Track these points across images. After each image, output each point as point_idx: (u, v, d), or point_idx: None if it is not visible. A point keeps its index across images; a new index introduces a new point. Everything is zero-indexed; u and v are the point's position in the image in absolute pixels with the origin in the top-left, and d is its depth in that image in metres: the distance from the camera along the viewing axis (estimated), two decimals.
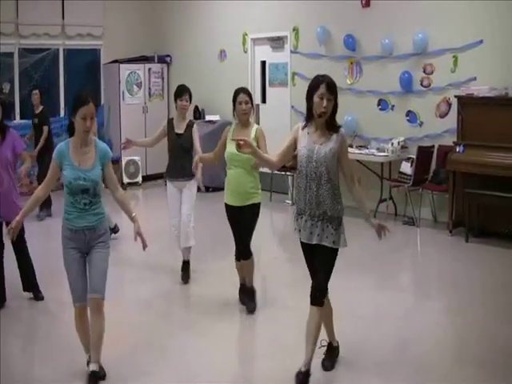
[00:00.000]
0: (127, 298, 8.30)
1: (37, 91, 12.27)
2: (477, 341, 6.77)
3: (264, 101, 14.47)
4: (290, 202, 13.11)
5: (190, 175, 8.18)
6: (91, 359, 5.78)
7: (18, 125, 13.62)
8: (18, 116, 14.76)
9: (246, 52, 14.65)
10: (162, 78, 16.33)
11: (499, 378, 6.00)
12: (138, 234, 5.78)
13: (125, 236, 10.03)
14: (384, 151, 11.51)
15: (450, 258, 9.64)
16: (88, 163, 5.65)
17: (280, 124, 13.76)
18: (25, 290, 7.95)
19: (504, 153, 9.92)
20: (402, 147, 11.53)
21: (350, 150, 11.88)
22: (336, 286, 8.39)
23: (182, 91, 8.52)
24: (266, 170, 13.08)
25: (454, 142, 10.59)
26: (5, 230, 6.83)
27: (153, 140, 8.72)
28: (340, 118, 12.41)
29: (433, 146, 11.25)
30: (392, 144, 11.48)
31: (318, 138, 5.69)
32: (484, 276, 8.82)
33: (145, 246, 5.77)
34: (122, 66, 15.68)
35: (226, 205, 7.41)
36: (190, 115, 15.15)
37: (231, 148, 6.97)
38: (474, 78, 10.73)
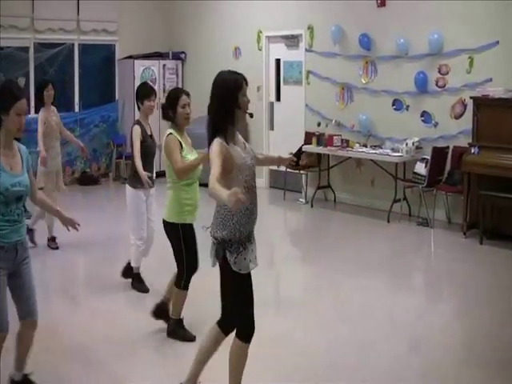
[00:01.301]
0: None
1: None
2: (489, 343, 6.73)
3: (278, 99, 14.44)
4: (303, 200, 13.08)
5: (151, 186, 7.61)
6: (17, 368, 5.34)
7: (32, 119, 13.63)
8: (32, 110, 14.76)
9: (260, 50, 14.62)
10: (177, 75, 16.33)
11: (509, 380, 5.99)
12: (67, 220, 5.30)
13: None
14: (398, 151, 11.47)
15: (464, 260, 9.59)
16: (18, 168, 5.00)
17: (294, 122, 13.76)
18: None
19: None
20: (417, 148, 11.48)
21: (364, 149, 12.00)
22: (349, 286, 8.44)
23: (151, 91, 8.02)
24: (281, 168, 13.13)
25: (468, 144, 10.54)
26: None
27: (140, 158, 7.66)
28: (354, 118, 12.58)
29: (447, 147, 11.20)
30: (406, 144, 11.43)
31: (240, 141, 5.01)
32: (498, 278, 8.77)
33: (76, 226, 5.28)
34: (136, 62, 15.68)
35: (189, 225, 6.47)
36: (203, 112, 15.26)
37: (194, 158, 6.45)
38: (490, 80, 10.67)
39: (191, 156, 6.45)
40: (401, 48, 11.75)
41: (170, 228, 6.48)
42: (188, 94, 6.67)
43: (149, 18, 16.27)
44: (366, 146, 12.19)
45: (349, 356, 6.36)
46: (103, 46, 16.18)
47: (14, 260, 4.96)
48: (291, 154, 5.65)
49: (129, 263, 8.23)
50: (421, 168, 11.10)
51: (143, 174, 7.44)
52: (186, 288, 6.52)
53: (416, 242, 10.58)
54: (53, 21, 14.88)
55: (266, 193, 14.08)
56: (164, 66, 16.12)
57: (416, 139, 11.49)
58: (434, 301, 8.22)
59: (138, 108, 8.03)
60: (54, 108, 10.19)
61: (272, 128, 14.49)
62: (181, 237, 6.42)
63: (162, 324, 6.83)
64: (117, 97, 16.15)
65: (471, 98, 10.62)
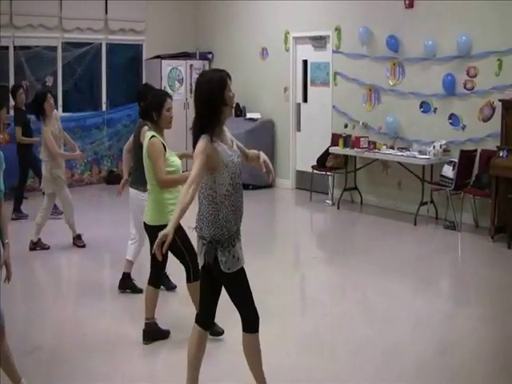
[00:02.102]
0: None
1: (22, 91, 12.12)
2: None
3: (305, 100, 14.41)
4: (329, 202, 13.05)
5: None
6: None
7: (60, 118, 13.70)
8: (60, 109, 14.85)
9: (287, 51, 14.60)
10: None
11: None
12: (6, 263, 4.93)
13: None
14: (426, 154, 11.41)
15: (491, 265, 9.52)
16: None
17: (321, 123, 13.75)
18: None
19: None
20: (444, 150, 11.41)
21: (391, 151, 11.95)
22: (374, 288, 8.42)
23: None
24: (307, 169, 13.11)
25: (497, 147, 10.46)
26: None
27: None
28: (382, 119, 12.53)
29: (475, 150, 11.13)
30: (434, 147, 11.36)
31: (227, 139, 5.01)
32: None
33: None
34: (163, 61, 15.75)
35: (180, 225, 5.98)
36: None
37: (177, 159, 6.55)
38: None
39: (173, 158, 6.49)
40: (429, 50, 11.69)
41: (154, 231, 5.85)
42: (171, 97, 6.66)
43: (176, 18, 16.32)
44: (393, 148, 12.14)
45: (373, 359, 6.34)
46: (131, 45, 16.26)
47: None
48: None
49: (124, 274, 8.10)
50: (448, 171, 11.04)
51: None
52: (197, 279, 6.28)
53: (443, 246, 10.52)
54: (81, 20, 14.98)
55: (293, 194, 14.08)
56: (191, 66, 16.16)
57: (443, 142, 11.42)
58: (461, 305, 8.15)
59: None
60: (55, 112, 10.14)
61: (299, 129, 14.48)
62: (176, 237, 6.00)
63: (176, 324, 6.88)
64: None
65: (500, 100, 10.54)
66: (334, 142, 13.00)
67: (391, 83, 12.48)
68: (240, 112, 15.15)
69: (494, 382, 6.00)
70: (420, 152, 11.57)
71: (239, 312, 5.04)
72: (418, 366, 6.22)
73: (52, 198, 9.91)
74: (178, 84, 15.81)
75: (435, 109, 11.83)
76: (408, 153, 11.76)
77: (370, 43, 12.78)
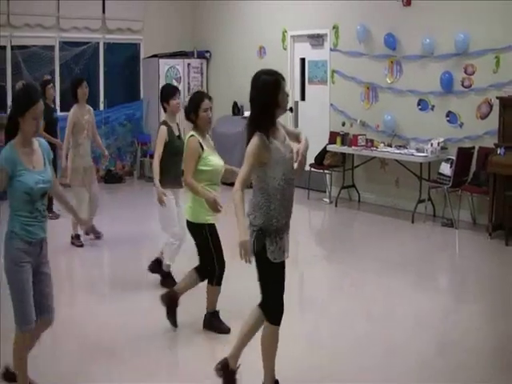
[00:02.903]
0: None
1: (51, 85, 12.18)
2: None
3: (303, 98, 14.42)
4: (327, 200, 13.07)
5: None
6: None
7: (58, 117, 13.69)
8: (58, 108, 14.84)
9: (285, 49, 14.61)
10: (201, 74, 16.36)
11: None
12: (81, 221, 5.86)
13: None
14: (423, 151, 11.42)
15: (489, 262, 9.54)
16: (39, 164, 5.13)
17: (319, 122, 13.74)
18: None
19: None
20: (442, 148, 11.43)
21: (388, 149, 11.97)
22: (373, 286, 8.43)
23: (174, 90, 8.19)
24: (306, 167, 13.12)
25: (494, 144, 10.47)
26: None
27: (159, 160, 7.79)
28: (379, 117, 12.53)
29: (473, 148, 11.14)
30: (431, 144, 11.38)
31: (280, 135, 5.23)
32: None
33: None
34: (161, 60, 15.76)
35: (213, 225, 6.60)
36: (227, 111, 15.26)
37: (217, 159, 6.67)
38: None
39: (213, 157, 6.61)
40: (426, 48, 11.70)
41: (195, 228, 6.62)
42: (210, 98, 6.77)
43: (174, 17, 16.34)
44: (390, 145, 12.15)
45: (373, 356, 6.35)
46: (128, 44, 16.30)
47: (38, 256, 5.12)
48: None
49: (157, 259, 8.28)
50: (446, 168, 11.05)
51: (159, 188, 7.64)
52: (219, 284, 6.72)
53: (441, 243, 10.54)
54: (78, 19, 15.02)
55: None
56: (189, 64, 16.17)
57: (441, 139, 11.43)
58: (459, 302, 8.16)
59: (164, 109, 8.10)
60: (89, 108, 10.28)
61: (296, 127, 14.46)
62: (207, 236, 6.55)
63: (192, 318, 6.94)
64: (141, 95, 16.24)
65: (497, 98, 10.55)
66: (332, 140, 13.01)
67: (389, 81, 12.48)
68: (237, 111, 15.15)
69: (494, 378, 6.00)
70: (418, 150, 11.58)
71: (263, 301, 5.23)
72: (418, 363, 6.22)
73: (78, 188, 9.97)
74: (175, 83, 15.79)
75: (433, 106, 11.84)
76: (406, 150, 11.78)
77: (367, 41, 12.79)
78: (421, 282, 8.67)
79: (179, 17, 16.43)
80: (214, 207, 6.35)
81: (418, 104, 12.04)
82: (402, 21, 12.13)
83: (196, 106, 6.60)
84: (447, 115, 11.61)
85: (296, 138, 5.47)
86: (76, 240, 10.06)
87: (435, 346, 6.71)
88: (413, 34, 11.94)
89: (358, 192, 13.11)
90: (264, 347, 5.28)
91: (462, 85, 11.39)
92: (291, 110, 4.67)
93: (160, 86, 15.27)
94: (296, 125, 14.45)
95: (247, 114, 15.18)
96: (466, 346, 6.63)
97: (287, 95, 5.21)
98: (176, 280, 7.74)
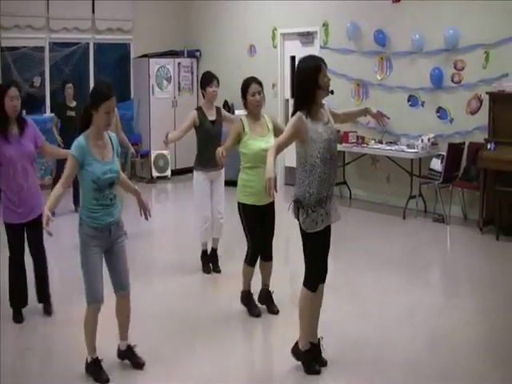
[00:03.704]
0: (152, 291, 8.31)
1: (71, 85, 12.27)
2: (506, 340, 6.72)
3: (294, 96, 14.38)
4: None
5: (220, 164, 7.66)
6: (121, 338, 6.05)
7: (47, 118, 13.68)
8: (48, 109, 14.83)
9: (275, 47, 14.61)
10: (192, 73, 16.35)
11: None
12: (142, 203, 5.99)
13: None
14: (414, 148, 11.44)
15: (480, 256, 9.57)
16: (108, 156, 5.65)
17: None
18: (39, 301, 7.41)
19: None
20: (432, 144, 11.45)
21: (379, 145, 12.00)
22: (365, 282, 8.44)
23: (212, 77, 8.50)
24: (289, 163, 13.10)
25: (485, 139, 10.48)
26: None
27: (181, 133, 8.40)
28: None
29: (463, 143, 11.16)
30: (422, 140, 11.40)
31: (323, 117, 5.77)
32: None
33: (147, 215, 5.97)
34: (151, 60, 15.72)
35: (249, 206, 7.00)
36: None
37: (259, 144, 6.96)
38: (506, 75, 10.61)
39: (253, 142, 7.01)
40: (416, 44, 11.72)
41: (238, 207, 7.12)
42: (259, 83, 7.14)
43: (163, 17, 16.30)
44: (381, 142, 12.17)
45: (365, 351, 6.37)
46: (118, 44, 16.24)
47: (108, 239, 5.65)
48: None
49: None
50: (436, 164, 11.07)
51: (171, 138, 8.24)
52: (251, 264, 7.19)
53: (432, 239, 10.55)
54: (68, 20, 14.93)
55: (281, 190, 14.05)
56: (179, 64, 16.15)
57: (431, 135, 11.46)
58: (451, 297, 8.18)
59: (203, 95, 8.59)
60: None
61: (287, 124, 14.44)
62: (241, 216, 7.01)
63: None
64: (132, 95, 16.20)
65: (487, 93, 10.57)
66: None
67: (379, 78, 12.50)
68: (228, 109, 15.14)
69: (485, 372, 6.02)
70: (408, 146, 11.60)
71: (305, 267, 5.85)
72: (409, 358, 6.24)
73: None
74: (166, 82, 15.79)
75: (423, 102, 11.86)
76: (396, 147, 11.80)
77: (357, 38, 12.80)
78: (412, 278, 8.67)
79: (169, 16, 16.40)
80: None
81: (409, 100, 12.06)
82: (392, 17, 12.15)
83: (244, 91, 7.05)
84: (437, 111, 11.64)
85: (365, 111, 6.24)
86: None
87: (426, 339, 6.74)
88: (402, 31, 11.97)
89: (349, 189, 13.12)
90: (299, 308, 5.86)
91: (452, 80, 11.41)
92: (332, 92, 5.31)
93: (150, 86, 15.42)
94: (287, 123, 14.39)
95: (238, 112, 15.26)
96: (457, 340, 6.66)
97: (328, 78, 5.62)
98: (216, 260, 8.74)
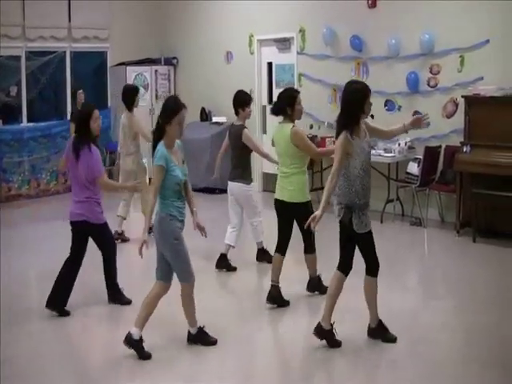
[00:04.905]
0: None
1: (81, 90, 12.35)
2: (485, 341, 6.77)
3: (271, 102, 14.41)
4: None
5: None
6: (190, 325, 6.61)
7: (24, 128, 13.65)
8: (25, 119, 14.79)
9: (252, 53, 14.65)
10: (169, 80, 16.35)
11: (508, 377, 6.00)
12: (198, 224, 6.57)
13: None
14: (391, 152, 11.48)
15: (458, 259, 9.62)
16: (180, 161, 6.37)
17: None
18: (110, 301, 7.94)
19: (511, 152, 9.89)
20: (409, 148, 11.51)
21: None
22: (343, 286, 8.41)
23: (250, 100, 9.09)
24: (274, 171, 13.10)
25: (461, 142, 10.55)
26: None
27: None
28: None
29: (440, 147, 11.22)
30: (399, 144, 11.45)
31: (361, 132, 6.41)
32: (491, 276, 8.82)
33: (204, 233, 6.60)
34: (128, 68, 15.72)
35: (309, 203, 7.85)
36: (195, 117, 15.24)
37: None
38: (481, 78, 10.70)
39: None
40: (392, 48, 11.79)
41: (297, 207, 7.81)
42: (299, 92, 7.73)
43: (140, 24, 16.30)
44: None
45: (344, 354, 6.40)
46: (95, 53, 16.24)
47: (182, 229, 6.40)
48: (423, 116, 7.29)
49: (258, 249, 9.50)
50: (413, 168, 11.12)
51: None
52: (312, 252, 8.42)
53: (410, 242, 10.60)
54: (44, 29, 14.91)
55: (259, 196, 14.02)
56: (156, 71, 16.16)
57: (408, 139, 11.50)
58: (430, 299, 8.22)
59: (236, 113, 9.03)
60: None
61: (265, 131, 14.48)
62: (311, 213, 7.00)
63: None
64: (109, 104, 16.16)
65: (463, 96, 10.65)
66: None
67: None
68: (206, 116, 15.16)
69: (463, 374, 6.06)
70: (385, 150, 11.63)
71: (364, 260, 6.76)
72: (389, 360, 6.28)
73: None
74: (143, 90, 15.76)
75: (400, 107, 11.93)
76: (373, 151, 11.72)
77: (333, 44, 12.87)
78: (390, 282, 8.66)
79: (145, 24, 16.39)
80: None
81: (385, 104, 12.12)
82: (368, 22, 12.22)
83: (292, 102, 7.51)
84: (414, 115, 11.61)
85: (406, 128, 7.17)
86: (122, 236, 10.65)
87: (406, 342, 6.74)
88: (378, 35, 12.04)
89: None
90: (366, 296, 6.81)
91: (428, 84, 11.49)
92: (372, 116, 6.30)
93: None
94: (264, 128, 14.46)
95: (216, 119, 15.19)
96: (435, 341, 6.69)
97: (371, 104, 6.38)
98: (269, 253, 9.03)
